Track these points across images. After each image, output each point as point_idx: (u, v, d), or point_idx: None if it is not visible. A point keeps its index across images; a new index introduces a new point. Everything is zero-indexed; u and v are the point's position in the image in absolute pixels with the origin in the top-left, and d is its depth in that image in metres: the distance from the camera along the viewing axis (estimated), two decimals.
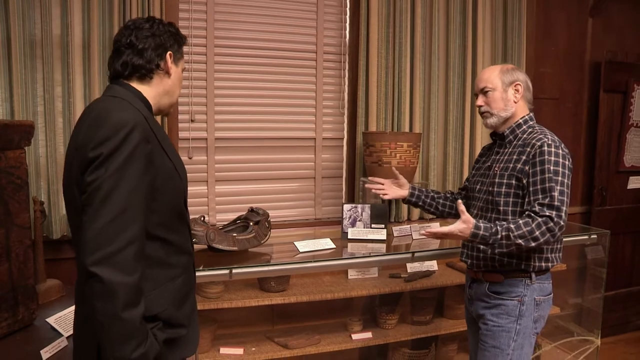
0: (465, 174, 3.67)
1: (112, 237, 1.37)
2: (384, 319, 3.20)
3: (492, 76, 2.29)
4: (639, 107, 4.32)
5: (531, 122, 2.31)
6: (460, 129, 3.65)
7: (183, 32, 3.11)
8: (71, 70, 2.76)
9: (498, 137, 2.37)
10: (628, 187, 4.42)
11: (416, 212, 3.56)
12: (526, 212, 2.11)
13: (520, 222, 2.07)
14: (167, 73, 1.70)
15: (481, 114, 2.35)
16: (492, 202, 2.26)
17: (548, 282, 2.30)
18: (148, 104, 1.67)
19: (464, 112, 3.62)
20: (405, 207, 3.52)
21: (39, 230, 2.47)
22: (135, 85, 1.66)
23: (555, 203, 2.05)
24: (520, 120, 2.30)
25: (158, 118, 2.94)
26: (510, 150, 2.28)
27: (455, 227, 2.11)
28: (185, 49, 3.14)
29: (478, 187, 2.40)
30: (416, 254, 2.88)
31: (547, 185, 2.08)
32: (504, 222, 2.10)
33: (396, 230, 3.21)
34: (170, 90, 1.74)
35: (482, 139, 3.68)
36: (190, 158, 3.22)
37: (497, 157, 2.33)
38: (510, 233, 2.05)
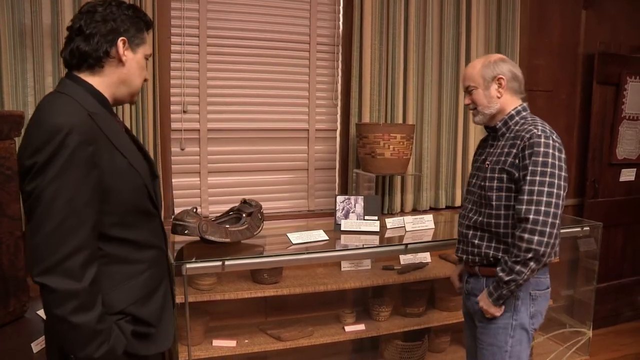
0: (459, 166, 3.67)
1: (56, 246, 1.36)
2: (376, 311, 3.20)
3: (474, 73, 2.23)
4: (632, 100, 4.33)
5: (524, 113, 2.23)
6: (453, 121, 3.64)
7: (175, 22, 3.12)
8: (62, 60, 2.73)
9: (491, 130, 2.31)
10: (620, 180, 4.44)
11: (409, 204, 3.56)
12: (512, 240, 2.09)
13: (509, 264, 2.06)
14: (120, 61, 1.58)
15: (470, 110, 2.32)
16: (484, 197, 2.21)
17: (545, 277, 2.25)
18: (101, 97, 1.57)
19: (458, 103, 3.62)
20: (398, 199, 3.52)
21: None
22: (87, 76, 1.56)
23: (540, 217, 1.99)
24: (513, 112, 2.22)
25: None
26: (502, 143, 2.22)
27: (481, 306, 2.19)
28: (177, 39, 3.15)
29: (474, 180, 2.35)
30: (409, 246, 2.88)
31: (535, 188, 2.01)
32: (501, 259, 2.13)
33: (389, 222, 3.20)
34: (127, 80, 1.62)
35: (476, 130, 3.68)
36: (182, 149, 3.20)
37: (491, 150, 2.27)
38: (509, 260, 2.07)
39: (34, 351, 1.92)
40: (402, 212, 3.54)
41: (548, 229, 1.99)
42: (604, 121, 4.30)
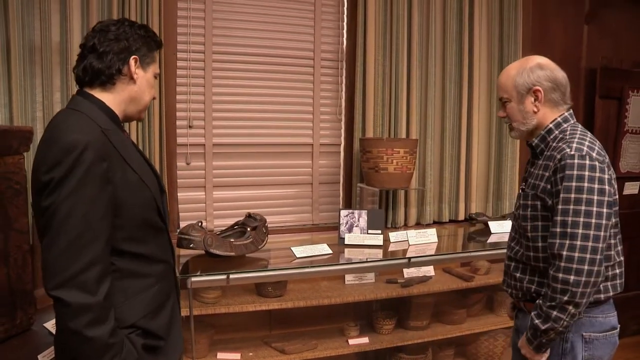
0: (462, 180, 3.69)
1: (72, 260, 1.38)
2: (380, 324, 3.20)
3: (507, 84, 1.93)
4: (634, 113, 4.35)
5: (565, 125, 1.90)
6: (456, 135, 3.67)
7: (181, 39, 3.17)
8: (70, 76, 2.76)
9: (530, 148, 2.00)
10: (623, 193, 4.44)
11: (412, 218, 3.58)
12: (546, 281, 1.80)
13: (545, 309, 1.78)
14: (131, 79, 1.62)
15: (506, 124, 2.06)
16: (521, 227, 1.94)
17: (604, 316, 1.93)
18: (112, 114, 1.61)
19: (461, 118, 3.65)
20: (402, 212, 3.54)
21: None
22: (99, 93, 1.60)
23: (575, 253, 1.71)
24: (551, 125, 1.91)
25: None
26: (540, 163, 1.91)
27: (523, 353, 1.91)
28: (183, 55, 3.19)
29: (517, 203, 2.05)
30: (412, 260, 2.89)
31: (569, 219, 1.73)
32: (536, 302, 1.84)
33: (393, 235, 3.22)
34: (137, 97, 1.66)
35: (479, 145, 3.71)
36: (188, 164, 3.23)
37: (532, 170, 1.96)
38: (543, 306, 1.79)
39: None
40: (406, 226, 3.56)
41: (586, 267, 1.70)
42: (607, 135, 4.31)
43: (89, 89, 1.61)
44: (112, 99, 1.61)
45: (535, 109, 1.91)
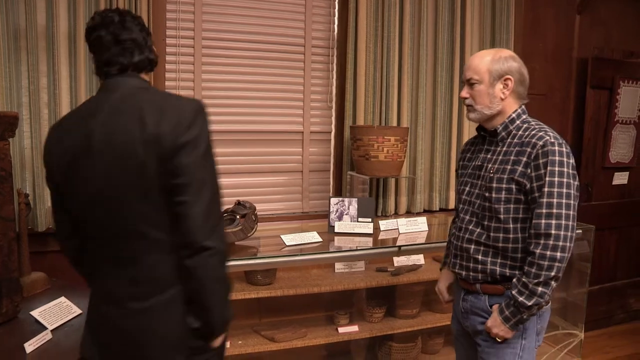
0: (452, 169, 3.68)
1: (214, 212, 1.52)
2: (370, 313, 3.21)
3: (481, 66, 2.01)
4: (625, 104, 4.36)
5: (524, 116, 2.05)
6: (447, 124, 3.66)
7: (170, 25, 3.15)
8: (57, 61, 2.73)
9: (489, 134, 2.10)
10: (613, 183, 4.46)
11: (403, 206, 3.57)
12: (529, 249, 1.91)
13: (526, 268, 1.90)
14: None
15: (465, 105, 2.10)
16: (489, 209, 2.01)
17: None
18: None
19: (452, 106, 3.64)
20: (392, 201, 3.53)
21: (24, 222, 2.45)
22: (142, 76, 1.70)
23: (561, 232, 1.85)
24: (514, 115, 2.03)
25: None
26: (504, 149, 2.02)
27: (495, 333, 2.00)
28: (173, 41, 3.16)
29: (467, 188, 2.15)
30: (402, 248, 2.90)
31: (554, 200, 1.87)
32: (515, 281, 1.94)
33: (383, 224, 3.22)
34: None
35: (470, 133, 3.69)
36: None
37: (489, 156, 2.07)
38: (529, 283, 1.88)
39: (27, 352, 1.92)
40: (396, 215, 3.56)
41: (568, 244, 1.86)
42: (598, 125, 4.33)
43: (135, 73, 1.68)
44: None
45: (503, 96, 2.02)
